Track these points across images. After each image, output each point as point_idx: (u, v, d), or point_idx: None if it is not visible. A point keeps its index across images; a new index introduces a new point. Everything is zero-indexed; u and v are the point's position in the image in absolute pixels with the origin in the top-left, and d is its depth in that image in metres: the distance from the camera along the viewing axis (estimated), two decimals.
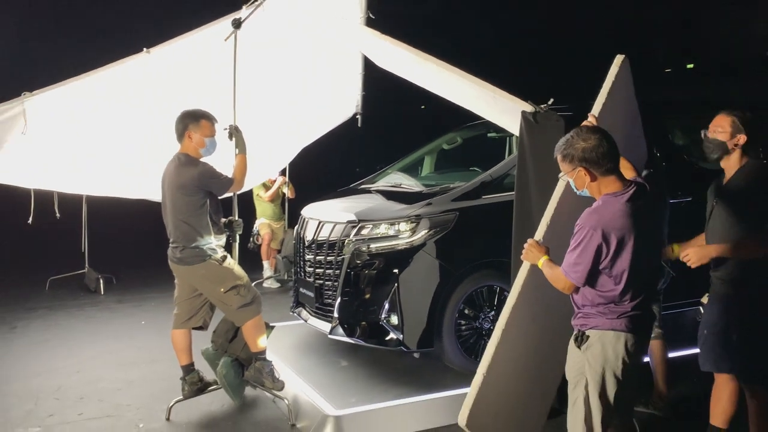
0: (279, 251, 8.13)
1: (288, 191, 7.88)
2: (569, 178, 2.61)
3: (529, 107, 3.58)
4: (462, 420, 2.84)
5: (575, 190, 2.65)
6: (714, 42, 17.74)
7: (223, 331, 4.27)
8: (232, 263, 4.11)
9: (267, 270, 8.10)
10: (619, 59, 3.47)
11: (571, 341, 2.61)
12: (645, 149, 4.00)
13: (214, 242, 4.02)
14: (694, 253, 3.01)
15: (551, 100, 3.56)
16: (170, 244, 4.06)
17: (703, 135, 3.25)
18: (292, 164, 6.95)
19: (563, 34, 18.00)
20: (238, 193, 4.46)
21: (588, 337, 2.53)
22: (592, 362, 2.50)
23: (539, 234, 3.06)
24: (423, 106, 19.93)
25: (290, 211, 7.89)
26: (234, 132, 4.27)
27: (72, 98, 4.73)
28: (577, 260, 2.46)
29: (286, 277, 7.99)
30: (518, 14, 18.53)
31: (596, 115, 3.21)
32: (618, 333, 2.47)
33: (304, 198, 6.99)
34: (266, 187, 7.96)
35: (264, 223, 8.13)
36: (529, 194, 3.63)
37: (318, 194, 5.81)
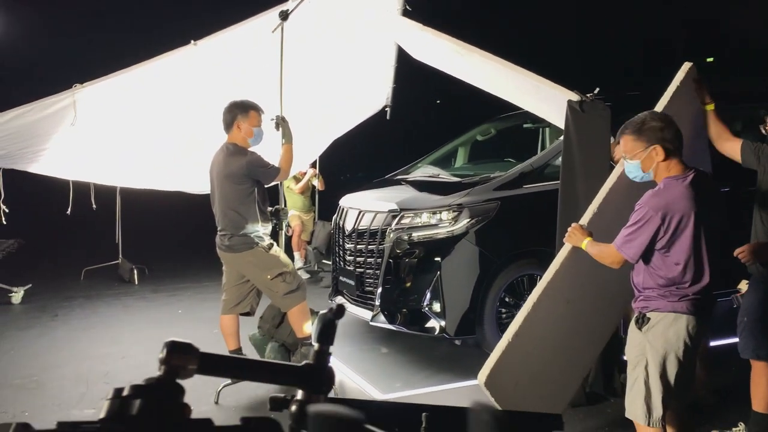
0: (309, 242, 8.24)
1: (318, 183, 7.95)
2: (637, 159, 2.63)
3: (575, 96, 3.63)
4: (481, 378, 2.92)
5: (636, 174, 2.69)
6: (734, 36, 17.61)
7: (270, 317, 4.37)
8: (278, 251, 4.20)
9: (297, 261, 8.19)
10: (686, 66, 3.37)
11: (632, 323, 2.67)
12: (709, 164, 3.57)
13: (261, 230, 4.11)
14: (748, 250, 3.05)
15: (597, 89, 3.61)
16: (219, 232, 4.16)
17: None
18: (321, 156, 7.03)
19: (580, 27, 17.98)
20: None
21: (649, 319, 2.58)
22: (653, 343, 2.56)
23: (585, 219, 3.12)
24: (438, 101, 19.96)
25: (320, 203, 7.98)
26: (281, 122, 4.36)
27: (119, 90, 4.83)
28: (633, 236, 2.54)
29: (316, 268, 8.10)
30: (537, 12, 18.52)
31: None
32: (679, 315, 2.53)
33: (333, 190, 7.09)
34: (296, 179, 8.04)
35: (294, 215, 8.22)
36: (575, 183, 3.68)
37: (347, 186, 5.88)
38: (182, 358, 0.60)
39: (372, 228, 4.86)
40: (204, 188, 6.41)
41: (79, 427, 0.47)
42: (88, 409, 4.06)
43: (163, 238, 9.46)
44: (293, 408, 0.67)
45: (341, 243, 5.28)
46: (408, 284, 4.56)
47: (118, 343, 5.39)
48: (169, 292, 7.22)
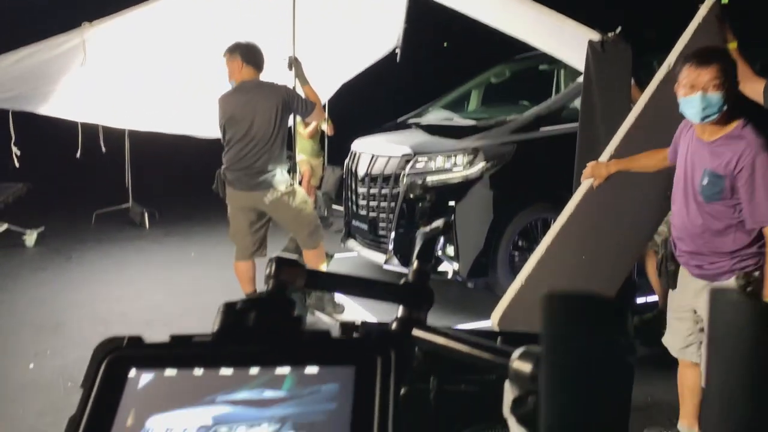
0: (318, 188, 8.21)
1: (327, 128, 7.87)
2: (720, 90, 2.36)
3: (596, 35, 3.55)
4: (494, 319, 2.96)
5: (712, 109, 2.39)
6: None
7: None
8: (300, 190, 4.24)
9: None
10: (709, 2, 3.20)
11: (725, 288, 2.52)
12: None
13: (285, 170, 4.14)
14: None
15: (619, 28, 3.52)
16: (243, 172, 4.09)
17: None
18: (330, 100, 6.95)
19: None
20: None
21: (755, 277, 2.41)
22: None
23: (605, 157, 3.09)
24: (445, 44, 19.54)
25: (329, 148, 7.92)
26: (294, 63, 4.30)
27: (129, 30, 4.74)
28: None
29: (326, 214, 8.10)
30: None
31: (671, 63, 3.10)
32: None
33: (342, 135, 7.02)
34: (305, 123, 7.95)
35: (303, 159, 8.15)
36: (594, 125, 3.64)
37: (356, 131, 5.82)
38: (290, 273, 0.60)
39: (385, 172, 4.84)
40: (212, 133, 6.39)
41: (193, 339, 0.47)
42: None
43: (172, 183, 9.44)
44: (395, 326, 0.67)
45: (354, 187, 5.26)
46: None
47: (133, 285, 5.46)
48: (180, 236, 7.26)
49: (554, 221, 4.50)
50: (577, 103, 4.54)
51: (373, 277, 0.76)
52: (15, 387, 3.65)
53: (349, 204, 5.39)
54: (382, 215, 4.84)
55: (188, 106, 6.12)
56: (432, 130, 5.17)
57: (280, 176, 4.05)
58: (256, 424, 0.41)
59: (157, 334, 0.49)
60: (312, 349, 0.45)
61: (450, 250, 4.46)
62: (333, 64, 6.07)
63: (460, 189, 4.44)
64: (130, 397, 0.45)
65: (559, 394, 0.28)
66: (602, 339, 0.29)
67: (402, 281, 0.73)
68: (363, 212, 5.04)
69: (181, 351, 0.47)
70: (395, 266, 4.71)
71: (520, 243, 4.56)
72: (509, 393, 0.53)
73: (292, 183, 4.14)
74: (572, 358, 0.29)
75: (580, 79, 3.95)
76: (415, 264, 0.71)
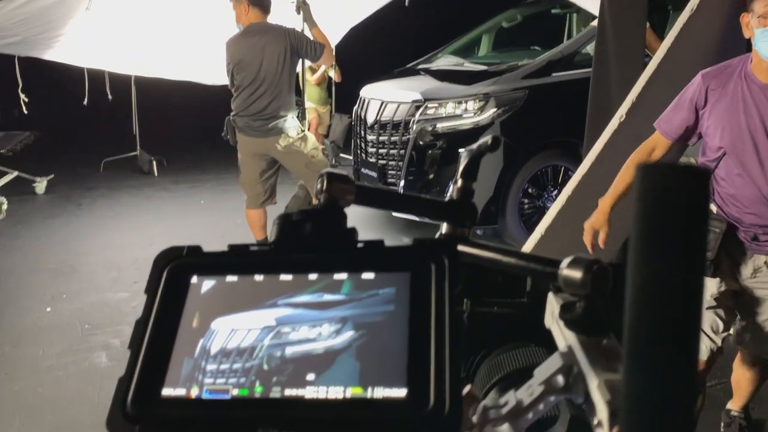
0: (326, 136, 8.17)
1: (335, 75, 7.78)
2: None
3: None
4: None
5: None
6: None
7: (296, 206, 4.42)
8: (311, 136, 4.23)
9: None
10: None
11: None
12: None
13: (295, 115, 4.13)
14: None
15: None
16: (253, 117, 4.07)
17: None
18: (337, 46, 6.83)
19: None
20: None
21: None
22: None
23: (624, 109, 3.05)
24: None
25: (337, 95, 7.84)
26: (302, 5, 4.22)
27: None
28: None
29: (333, 162, 8.09)
30: None
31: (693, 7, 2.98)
32: None
33: (350, 82, 6.94)
34: (312, 70, 7.85)
35: (310, 107, 8.08)
36: (608, 70, 3.59)
37: (364, 78, 5.75)
38: (341, 187, 0.61)
39: (395, 119, 4.80)
40: (219, 80, 6.33)
41: (250, 249, 0.48)
42: (122, 293, 4.21)
43: (180, 131, 9.41)
44: (437, 237, 0.69)
45: (362, 135, 5.24)
46: (431, 176, 4.57)
47: (144, 232, 5.51)
48: (189, 184, 7.28)
49: (564, 168, 4.55)
50: (589, 48, 4.47)
51: (419, 195, 0.77)
52: (34, 329, 3.73)
53: (358, 152, 5.37)
54: (392, 163, 4.84)
55: (194, 52, 6.05)
56: (442, 75, 5.10)
57: (291, 122, 4.04)
58: (318, 324, 0.43)
59: None
60: (367, 256, 0.46)
61: None
62: (341, 8, 5.95)
63: (471, 135, 4.41)
64: (193, 302, 0.46)
65: (648, 264, 0.29)
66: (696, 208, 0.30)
67: (446, 198, 0.74)
68: (372, 160, 5.03)
69: (240, 259, 0.48)
70: (404, 214, 4.72)
71: (529, 190, 4.56)
72: (553, 303, 0.56)
73: (303, 129, 4.13)
74: (665, 227, 0.29)
75: (594, 23, 3.88)
76: (459, 182, 0.72)
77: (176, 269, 0.47)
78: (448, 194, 0.74)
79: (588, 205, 3.14)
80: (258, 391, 0.41)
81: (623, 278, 0.31)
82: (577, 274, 0.52)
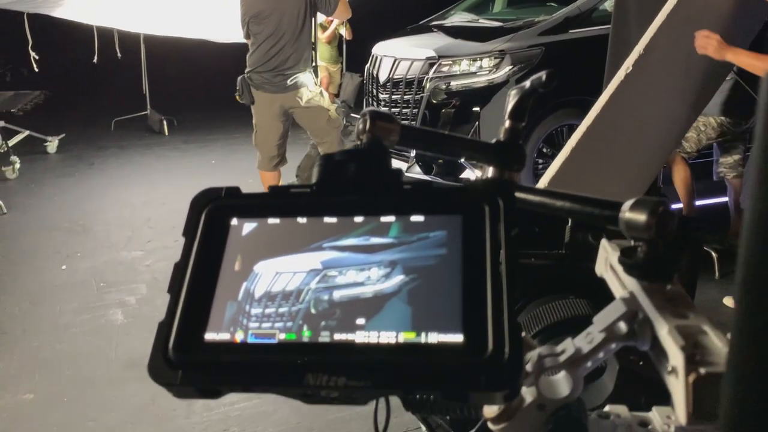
0: (337, 95, 8.08)
1: (345, 32, 7.65)
2: None
3: None
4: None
5: None
6: None
7: (309, 166, 4.41)
8: (325, 93, 4.19)
9: None
10: None
11: None
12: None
13: (311, 71, 4.08)
14: None
15: None
16: (272, 72, 3.99)
17: None
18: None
19: None
20: None
21: None
22: None
23: (630, 60, 2.97)
24: None
25: (347, 54, 7.73)
26: None
27: None
28: None
29: (344, 122, 8.01)
30: None
31: None
32: None
33: (361, 40, 6.83)
34: (323, 27, 7.72)
35: (321, 66, 7.97)
36: (628, 27, 3.50)
37: (375, 36, 5.64)
38: (385, 127, 0.59)
39: (408, 77, 4.73)
40: (227, 37, 6.24)
41: (291, 190, 0.46)
42: (136, 251, 4.23)
43: (189, 90, 9.34)
44: (487, 177, 0.67)
45: (374, 93, 5.17)
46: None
47: (155, 191, 5.51)
48: (200, 143, 7.25)
49: None
50: (608, 4, 4.35)
51: (465, 136, 0.74)
52: (50, 287, 3.77)
53: None
54: (404, 122, 4.77)
55: (205, 9, 5.96)
56: (456, 32, 5.00)
57: (309, 76, 4.01)
58: (366, 268, 0.42)
59: (182, 237, 0.48)
60: (415, 198, 0.45)
61: None
62: None
63: (486, 94, 4.35)
64: (234, 244, 0.45)
65: None
66: None
67: (494, 140, 0.71)
68: None
69: (282, 201, 0.47)
70: (417, 174, 4.69)
71: (544, 150, 4.50)
72: (608, 249, 0.54)
73: (319, 84, 4.09)
74: None
75: None
76: (507, 122, 0.69)
77: (215, 211, 0.46)
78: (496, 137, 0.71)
79: (591, 157, 3.10)
80: (306, 335, 0.40)
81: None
82: (641, 216, 0.50)
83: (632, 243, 0.54)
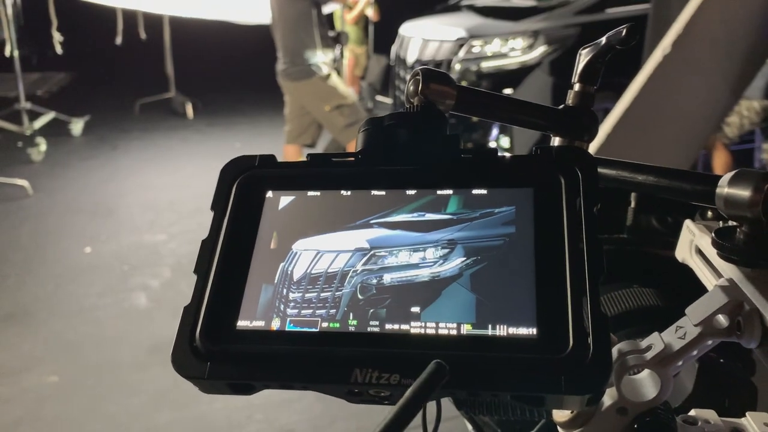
0: (363, 77, 7.97)
1: (372, 13, 7.52)
2: None
3: None
4: None
5: None
6: None
7: (333, 150, 4.31)
8: (337, 81, 4.08)
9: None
10: None
11: None
12: None
13: (320, 58, 3.96)
14: None
15: None
16: (281, 61, 4.02)
17: None
18: None
19: None
20: None
21: None
22: None
23: (668, 40, 2.83)
24: None
25: (374, 35, 7.61)
26: None
27: None
28: None
29: (370, 105, 7.92)
30: None
31: None
32: None
33: (388, 21, 6.70)
34: (349, 7, 7.61)
35: (346, 47, 7.89)
36: (669, 6, 3.35)
37: (402, 17, 5.52)
38: (439, 89, 0.51)
39: (436, 58, 4.60)
40: (252, 19, 6.17)
41: (332, 159, 0.41)
42: (160, 234, 4.20)
43: (214, 72, 9.30)
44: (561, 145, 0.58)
45: (402, 75, 5.06)
46: (474, 118, 4.39)
47: (179, 173, 5.48)
48: (224, 126, 7.21)
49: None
50: None
51: (529, 102, 0.64)
52: (75, 269, 3.75)
53: (397, 93, 5.20)
54: None
55: None
56: (487, 11, 4.85)
57: (305, 68, 3.93)
58: (420, 248, 0.36)
59: (205, 221, 0.40)
60: (477, 168, 0.39)
61: (504, 142, 4.30)
62: None
63: (518, 75, 4.21)
64: (269, 220, 0.40)
65: None
66: None
67: (561, 106, 0.62)
68: None
69: (323, 171, 0.41)
70: (511, 125, 4.59)
71: None
72: (693, 231, 0.46)
73: (329, 74, 4.00)
74: None
75: None
76: (577, 86, 0.60)
77: (248, 182, 0.41)
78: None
79: (626, 142, 2.98)
80: (352, 324, 0.35)
81: None
82: (744, 192, 0.44)
83: (722, 224, 0.48)
